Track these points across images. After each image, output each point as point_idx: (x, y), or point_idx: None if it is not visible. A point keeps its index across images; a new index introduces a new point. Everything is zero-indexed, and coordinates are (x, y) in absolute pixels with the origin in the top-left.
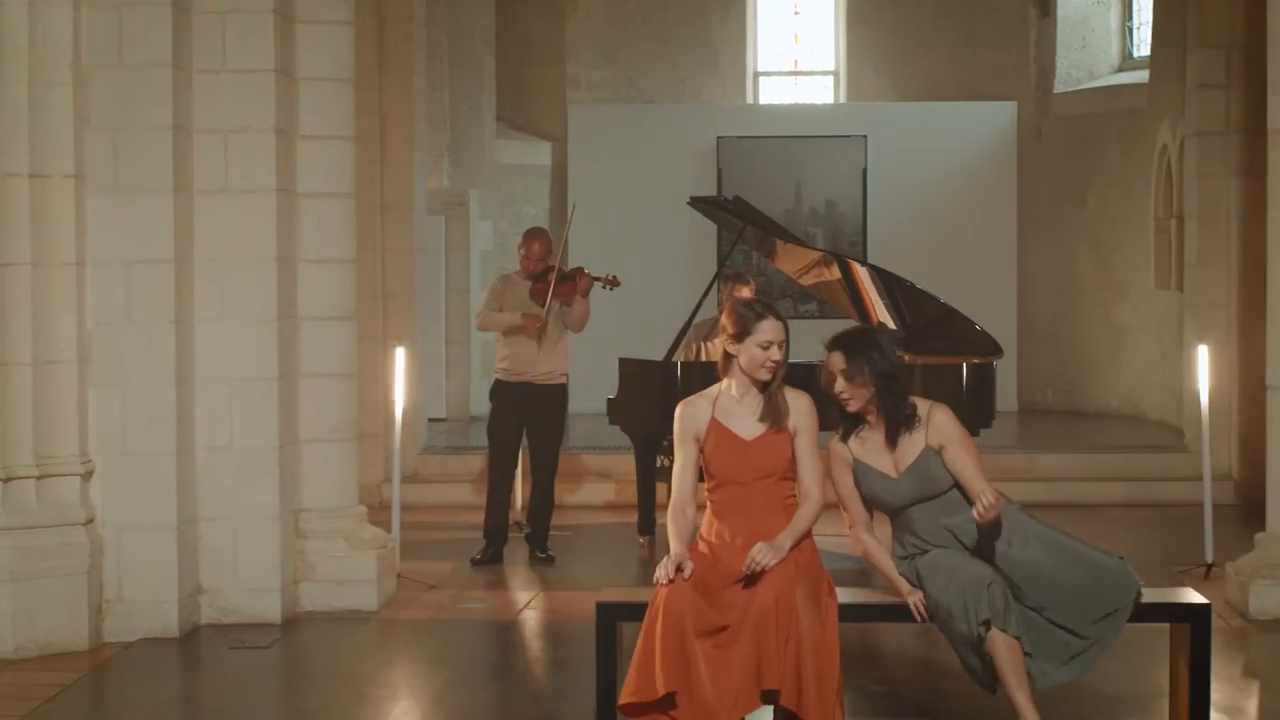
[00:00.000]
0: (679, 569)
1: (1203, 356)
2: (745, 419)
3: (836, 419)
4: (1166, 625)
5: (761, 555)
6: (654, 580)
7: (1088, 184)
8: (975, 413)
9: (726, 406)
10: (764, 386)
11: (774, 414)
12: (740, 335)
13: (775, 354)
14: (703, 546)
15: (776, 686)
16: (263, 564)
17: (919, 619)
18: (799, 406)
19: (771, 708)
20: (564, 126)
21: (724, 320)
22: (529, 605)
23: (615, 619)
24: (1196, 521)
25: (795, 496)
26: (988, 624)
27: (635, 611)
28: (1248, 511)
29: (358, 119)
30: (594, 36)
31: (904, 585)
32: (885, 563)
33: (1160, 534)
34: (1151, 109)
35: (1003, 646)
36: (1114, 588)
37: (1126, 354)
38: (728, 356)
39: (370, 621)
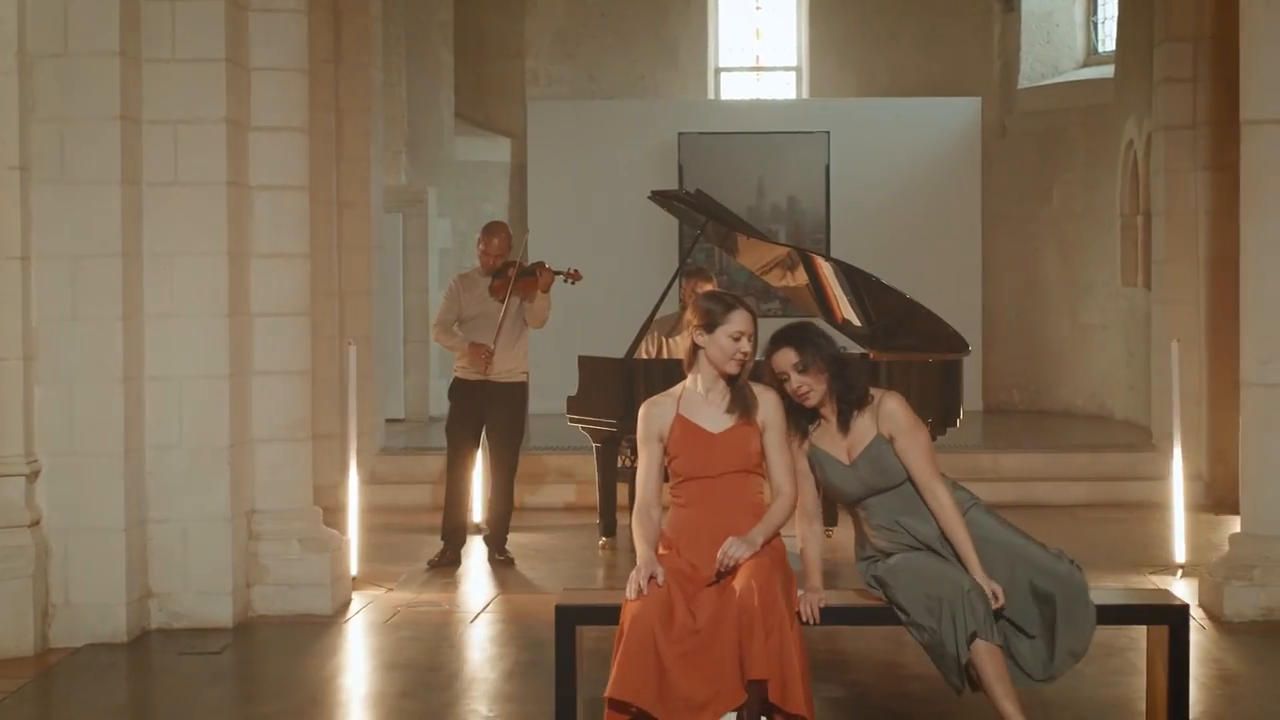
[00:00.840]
0: (652, 578)
1: (1174, 354)
2: (711, 413)
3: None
4: (1142, 627)
5: (734, 549)
6: (626, 596)
7: (1052, 180)
8: (942, 411)
9: (691, 401)
10: (731, 380)
11: (742, 405)
12: (710, 326)
13: (745, 345)
14: (665, 547)
15: (765, 676)
16: (214, 567)
17: (808, 621)
18: (767, 400)
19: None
20: (523, 122)
21: (690, 314)
22: (487, 609)
23: (574, 623)
24: (1166, 521)
25: (762, 493)
26: (973, 635)
27: (595, 615)
28: (1219, 511)
29: (313, 114)
30: (553, 32)
31: (814, 583)
32: (810, 554)
33: (1130, 534)
34: (1117, 104)
35: (987, 656)
36: (1067, 601)
37: (1092, 352)
38: (695, 349)
39: (325, 626)
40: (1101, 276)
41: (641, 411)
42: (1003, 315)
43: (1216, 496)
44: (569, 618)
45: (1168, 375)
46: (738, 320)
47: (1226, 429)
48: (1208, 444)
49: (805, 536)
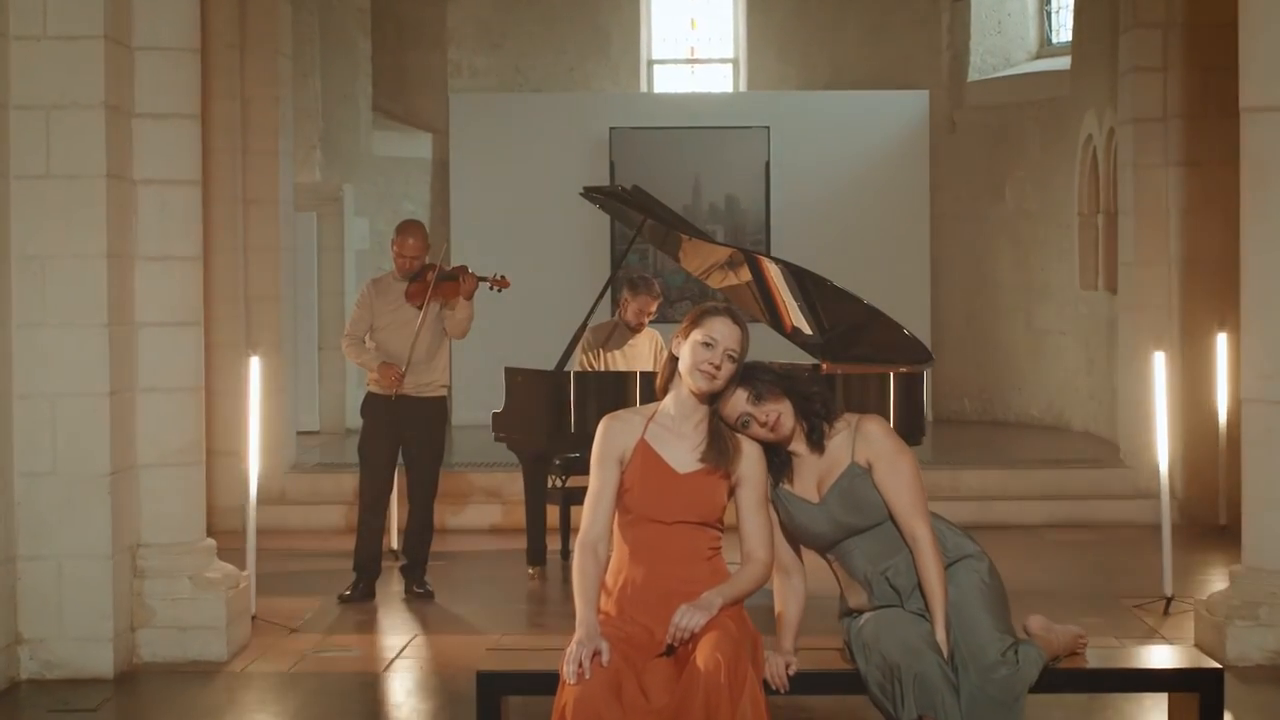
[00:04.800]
0: (596, 655)
1: (1159, 367)
2: (681, 449)
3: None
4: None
5: (687, 620)
6: (562, 678)
7: (1005, 178)
8: (903, 428)
9: (661, 428)
10: (708, 401)
11: (719, 452)
12: (688, 331)
13: (715, 357)
14: (608, 604)
15: None
16: (93, 609)
17: (777, 690)
18: (748, 453)
19: None
20: (445, 116)
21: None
22: (404, 652)
23: (500, 693)
24: (1140, 544)
25: (717, 547)
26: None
27: (525, 683)
28: (1193, 533)
29: (216, 103)
30: (477, 20)
31: (785, 645)
32: (787, 614)
33: (1104, 560)
34: (1074, 97)
35: None
36: (978, 701)
37: (1048, 359)
38: (672, 362)
39: (219, 674)
40: (1058, 279)
41: (602, 426)
42: (953, 320)
43: (1190, 514)
44: (493, 687)
45: (1142, 386)
46: (713, 325)
47: (1202, 443)
48: (1182, 459)
49: (783, 593)
